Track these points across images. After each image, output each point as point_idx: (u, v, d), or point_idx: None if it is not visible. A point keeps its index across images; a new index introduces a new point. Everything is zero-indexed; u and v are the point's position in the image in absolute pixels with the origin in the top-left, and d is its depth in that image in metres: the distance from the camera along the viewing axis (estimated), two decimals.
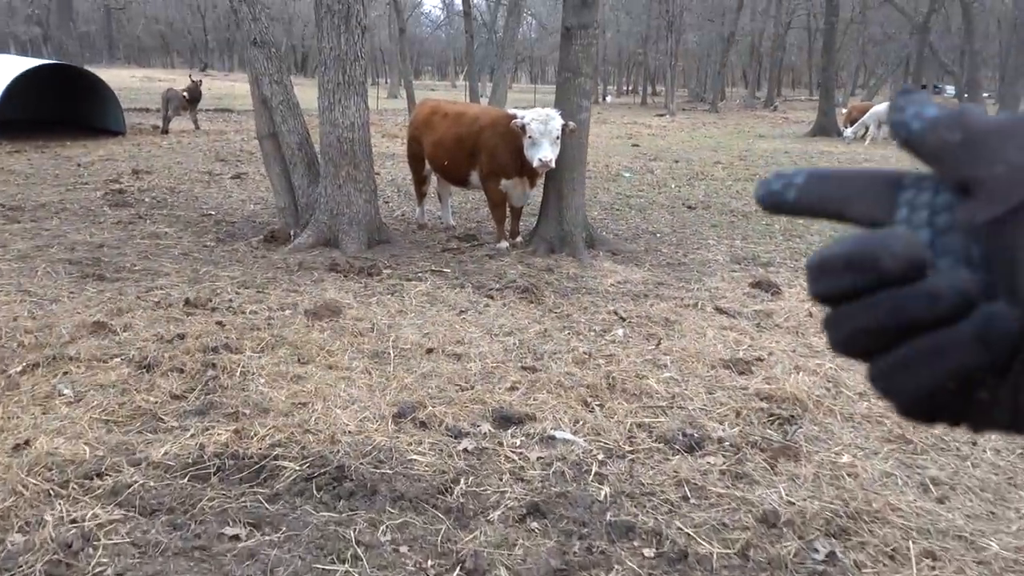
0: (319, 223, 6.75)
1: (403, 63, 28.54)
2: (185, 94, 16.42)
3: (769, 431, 3.45)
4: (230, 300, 5.07)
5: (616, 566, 2.49)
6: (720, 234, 7.82)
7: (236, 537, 2.57)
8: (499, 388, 3.81)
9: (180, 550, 2.50)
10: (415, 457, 3.13)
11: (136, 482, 2.87)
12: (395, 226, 7.83)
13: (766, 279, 5.86)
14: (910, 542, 2.65)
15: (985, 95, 24.60)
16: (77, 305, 4.87)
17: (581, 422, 3.47)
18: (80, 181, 9.97)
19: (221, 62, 70.53)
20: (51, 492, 2.80)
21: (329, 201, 6.71)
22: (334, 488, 2.89)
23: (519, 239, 7.08)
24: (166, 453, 3.08)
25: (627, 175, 12.15)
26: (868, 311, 0.34)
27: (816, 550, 2.59)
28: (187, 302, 4.93)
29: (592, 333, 4.69)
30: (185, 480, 2.93)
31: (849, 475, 3.07)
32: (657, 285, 5.80)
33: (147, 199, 8.95)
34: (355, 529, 2.63)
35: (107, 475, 2.93)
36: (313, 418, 3.41)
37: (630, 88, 66.20)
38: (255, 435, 3.23)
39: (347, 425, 3.36)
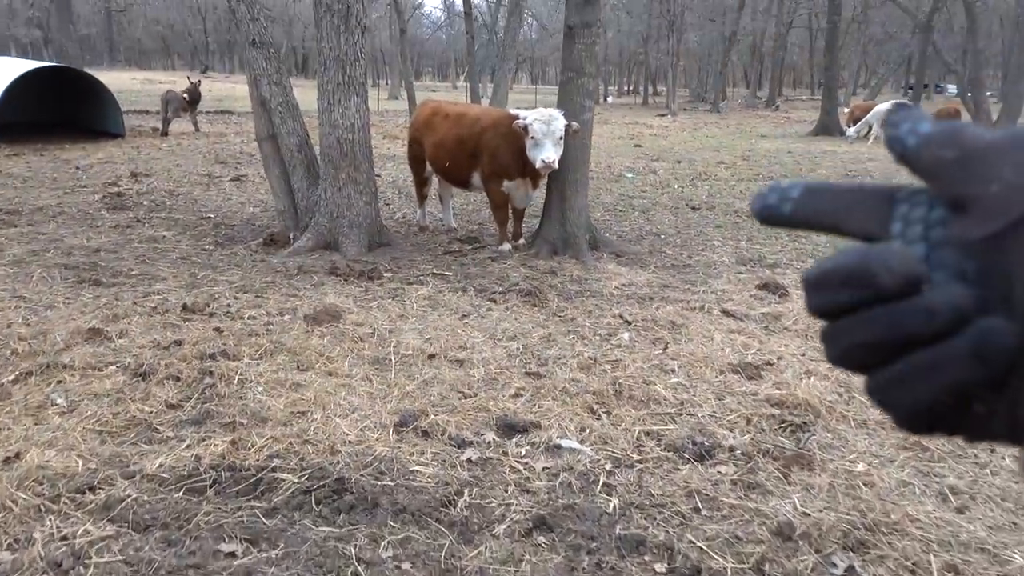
0: (319, 226, 6.66)
1: (404, 64, 28.47)
2: (185, 95, 16.34)
3: (781, 438, 3.35)
4: (228, 305, 4.98)
5: None
6: (725, 235, 7.73)
7: (232, 554, 2.48)
8: (503, 395, 3.72)
9: (174, 568, 2.41)
10: (417, 468, 3.04)
11: (129, 496, 2.78)
12: (396, 228, 7.75)
13: (773, 281, 5.77)
14: (931, 555, 2.56)
15: (988, 94, 24.48)
16: (72, 311, 4.78)
17: (587, 430, 3.38)
18: (78, 184, 9.88)
19: (222, 64, 70.51)
20: (41, 507, 2.71)
21: (329, 203, 6.62)
22: (334, 501, 2.80)
23: (522, 241, 6.99)
24: (161, 465, 2.99)
25: (629, 176, 12.05)
26: (865, 326, 0.34)
27: (834, 565, 2.50)
28: (184, 307, 4.84)
29: (597, 337, 4.59)
30: (180, 493, 2.84)
31: (865, 484, 2.97)
32: (662, 287, 5.70)
33: (145, 202, 8.87)
34: (355, 545, 2.54)
35: (100, 489, 2.84)
36: (312, 427, 3.32)
37: (631, 88, 66.12)
38: (252, 446, 3.14)
39: (347, 435, 3.27)
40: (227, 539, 2.57)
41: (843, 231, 0.38)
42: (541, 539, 2.62)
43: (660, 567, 2.49)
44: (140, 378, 3.82)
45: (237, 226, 7.76)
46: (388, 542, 2.57)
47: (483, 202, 8.40)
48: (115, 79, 37.11)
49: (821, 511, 2.78)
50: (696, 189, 10.88)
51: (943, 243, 0.35)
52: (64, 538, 2.54)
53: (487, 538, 2.62)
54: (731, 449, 3.22)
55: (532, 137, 6.04)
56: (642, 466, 3.11)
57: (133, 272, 5.81)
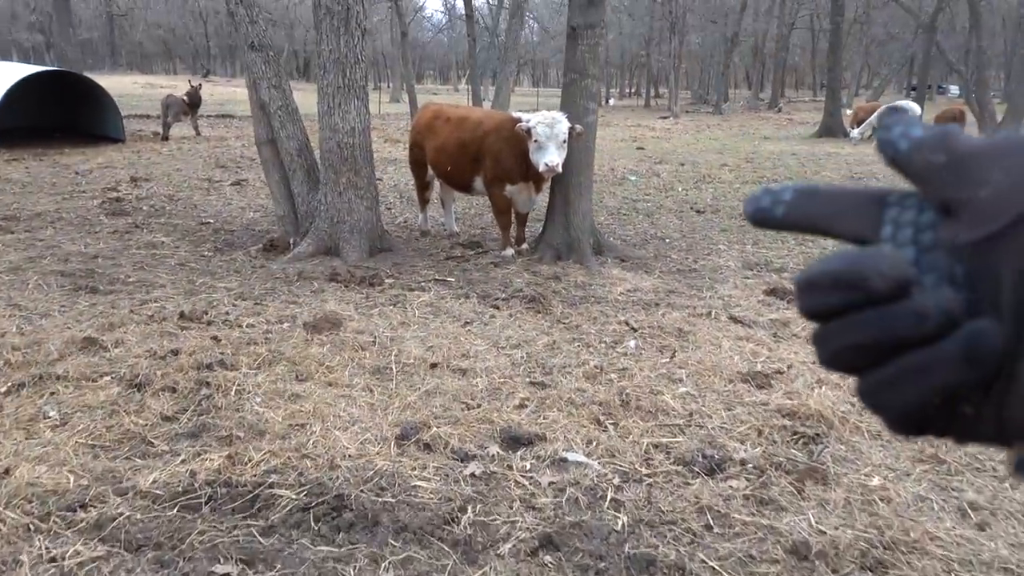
0: (319, 231, 6.57)
1: (405, 67, 28.41)
2: (185, 99, 16.28)
3: (793, 451, 3.26)
4: (227, 313, 4.89)
5: None
6: (730, 239, 7.63)
7: None
8: (507, 406, 3.63)
9: None
10: (419, 483, 2.95)
11: (122, 514, 2.69)
12: (397, 233, 7.66)
13: (780, 286, 5.68)
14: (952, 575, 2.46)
15: (991, 94, 24.34)
16: (68, 320, 4.69)
17: (594, 442, 3.29)
18: (77, 189, 9.81)
19: (223, 68, 70.52)
20: (31, 526, 2.62)
21: (329, 208, 6.53)
22: (333, 519, 2.71)
23: (525, 246, 6.90)
24: (155, 481, 2.90)
25: (633, 179, 11.96)
26: (856, 328, 0.35)
27: None
28: (182, 315, 4.76)
29: (603, 345, 4.50)
30: (174, 511, 2.75)
31: (882, 499, 2.88)
32: (668, 293, 5.61)
33: (145, 207, 8.79)
34: (355, 566, 2.44)
35: (91, 506, 2.75)
36: (311, 441, 3.23)
37: (633, 90, 66.04)
38: (249, 460, 3.05)
39: (347, 448, 3.18)
40: (222, 560, 2.48)
41: (834, 234, 0.39)
42: (547, 559, 2.53)
43: None
44: (135, 389, 3.73)
45: (237, 231, 7.68)
46: (389, 563, 2.48)
47: (485, 206, 8.31)
48: (116, 83, 37.14)
49: (837, 528, 2.69)
50: (700, 192, 10.79)
51: (933, 246, 0.36)
52: (53, 559, 2.45)
53: (491, 558, 2.52)
54: (742, 463, 3.12)
55: (535, 140, 5.95)
56: (651, 480, 3.01)
57: (131, 279, 5.73)
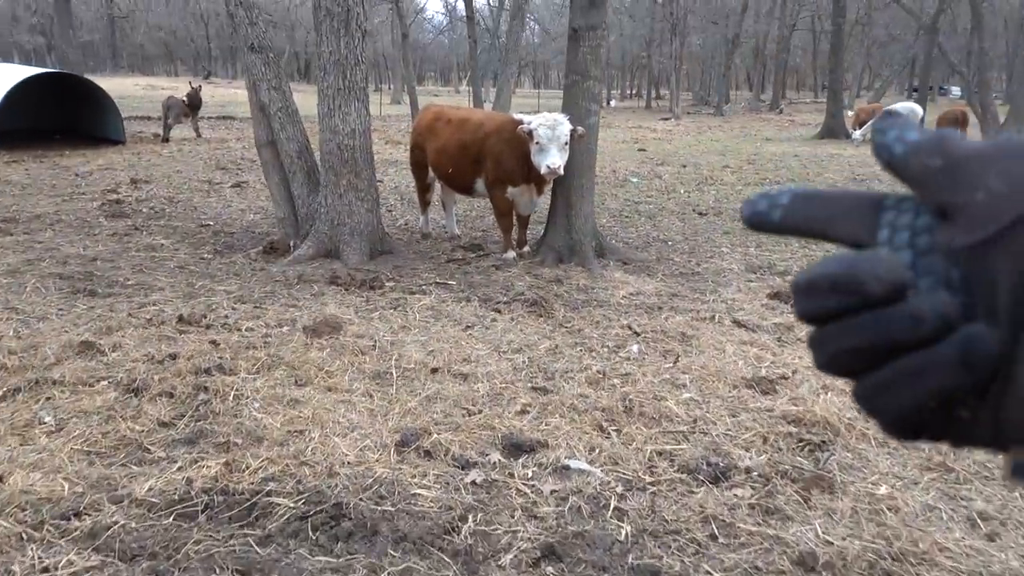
0: (319, 234, 6.53)
1: (406, 68, 28.37)
2: (185, 101, 16.25)
3: (799, 458, 3.21)
4: (226, 316, 4.85)
5: None
6: (733, 241, 7.58)
7: None
8: (508, 412, 3.58)
9: None
10: (419, 491, 2.90)
11: (117, 523, 2.65)
12: (398, 236, 7.62)
13: (784, 290, 5.63)
14: None
15: (992, 95, 24.29)
16: (65, 323, 4.65)
17: (597, 450, 3.24)
18: (77, 191, 9.78)
19: (224, 70, 70.53)
20: (23, 535, 2.57)
21: (330, 211, 6.49)
22: (331, 528, 2.66)
23: (527, 248, 6.85)
24: (151, 489, 2.86)
25: (634, 180, 11.92)
26: (852, 332, 0.35)
27: None
28: (180, 319, 4.72)
29: (605, 349, 4.45)
30: (170, 519, 2.70)
31: (889, 509, 2.83)
32: (671, 296, 5.56)
33: (144, 209, 8.76)
34: None
35: (86, 515, 2.71)
36: (310, 448, 3.18)
37: (634, 92, 66.01)
38: (247, 467, 3.00)
39: (346, 455, 3.13)
40: (218, 570, 2.43)
41: (831, 237, 0.39)
42: (550, 569, 2.48)
43: None
44: (132, 394, 3.69)
45: (237, 234, 7.64)
46: (388, 573, 2.43)
47: (487, 208, 8.26)
48: (118, 85, 37.13)
49: (845, 539, 2.64)
50: (702, 194, 10.74)
51: (929, 250, 0.36)
52: (46, 569, 2.41)
53: (492, 569, 2.48)
54: (747, 470, 3.08)
55: (537, 142, 5.91)
56: (655, 489, 2.96)
57: (129, 282, 5.68)
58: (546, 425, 3.45)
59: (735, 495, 2.93)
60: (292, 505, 2.78)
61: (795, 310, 0.37)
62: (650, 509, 2.83)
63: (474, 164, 6.63)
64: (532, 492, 2.92)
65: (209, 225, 8.00)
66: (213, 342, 4.34)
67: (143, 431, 3.31)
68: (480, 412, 3.56)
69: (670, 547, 2.61)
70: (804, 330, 4.75)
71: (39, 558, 2.45)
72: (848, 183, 11.81)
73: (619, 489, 2.95)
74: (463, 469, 3.08)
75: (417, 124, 7.59)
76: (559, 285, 5.80)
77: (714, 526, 2.72)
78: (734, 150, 17.68)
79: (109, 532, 2.60)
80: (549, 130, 5.84)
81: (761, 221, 0.40)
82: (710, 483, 3.01)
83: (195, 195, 9.90)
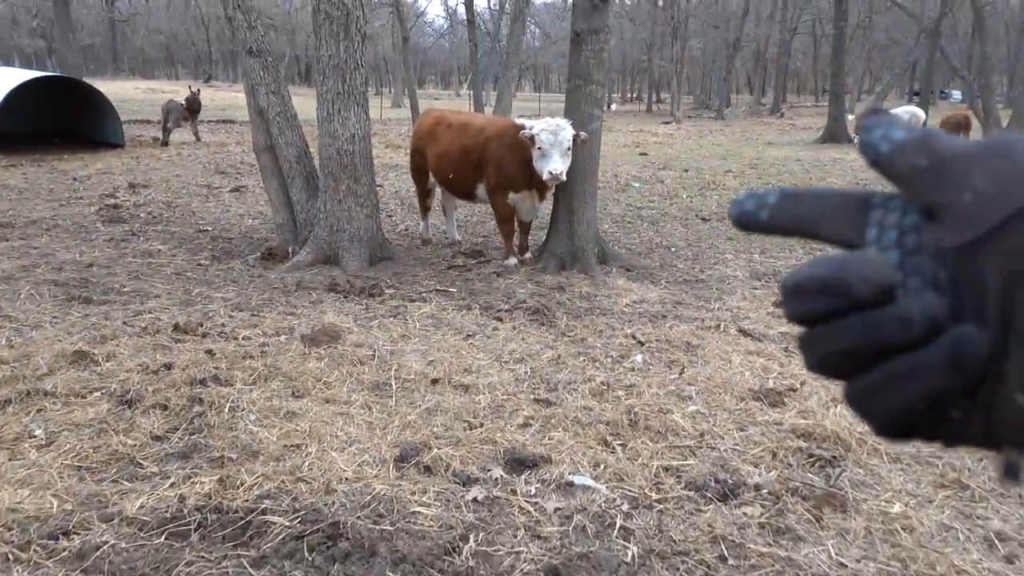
0: (318, 240, 6.45)
1: (407, 72, 28.31)
2: (184, 104, 16.18)
3: (809, 474, 3.12)
4: (222, 325, 4.76)
5: None
6: (737, 247, 7.50)
7: None
8: (510, 425, 3.49)
9: None
10: (419, 509, 2.81)
11: (107, 542, 2.56)
12: (398, 241, 7.53)
13: None
14: None
15: (995, 99, 24.23)
16: (59, 331, 4.57)
17: (602, 465, 3.15)
18: (75, 196, 9.70)
19: (225, 73, 70.51)
20: (9, 556, 2.49)
21: (329, 216, 6.41)
22: (328, 548, 2.58)
23: (528, 255, 6.77)
24: (142, 507, 2.77)
25: (636, 185, 11.84)
26: (841, 334, 0.35)
27: None
28: (176, 327, 4.63)
29: (609, 360, 4.37)
30: (162, 538, 2.62)
31: (904, 529, 2.74)
32: (675, 304, 5.47)
33: (142, 214, 8.68)
34: None
35: (75, 534, 2.62)
36: (306, 463, 3.10)
37: (634, 95, 65.97)
38: (242, 484, 2.92)
39: (344, 471, 3.04)
40: None
41: (820, 237, 0.39)
42: None
43: None
44: (125, 406, 3.60)
45: (235, 239, 7.56)
46: None
47: (488, 214, 8.19)
48: (118, 88, 37.10)
49: (859, 561, 2.55)
50: (705, 199, 10.66)
51: (917, 250, 0.36)
52: None
53: None
54: (757, 488, 2.99)
55: (539, 148, 5.83)
56: (662, 507, 2.88)
57: (125, 289, 5.60)
58: (549, 439, 3.36)
59: (744, 513, 2.84)
60: (288, 524, 2.69)
61: (784, 312, 0.37)
62: (657, 528, 2.74)
63: (475, 169, 6.55)
64: (535, 510, 2.84)
65: (207, 230, 7.92)
66: (209, 352, 4.25)
67: (135, 445, 3.22)
68: (481, 425, 3.48)
69: (678, 569, 2.52)
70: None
71: None
72: (850, 187, 11.73)
73: (625, 507, 2.87)
74: (464, 485, 2.99)
75: (418, 129, 7.51)
76: (561, 292, 5.72)
77: (723, 547, 2.63)
78: (736, 154, 17.61)
79: (98, 552, 2.51)
80: (551, 135, 5.76)
81: (749, 221, 0.40)
82: (718, 501, 2.92)
83: (193, 200, 9.83)
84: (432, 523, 2.73)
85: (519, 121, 6.35)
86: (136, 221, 8.28)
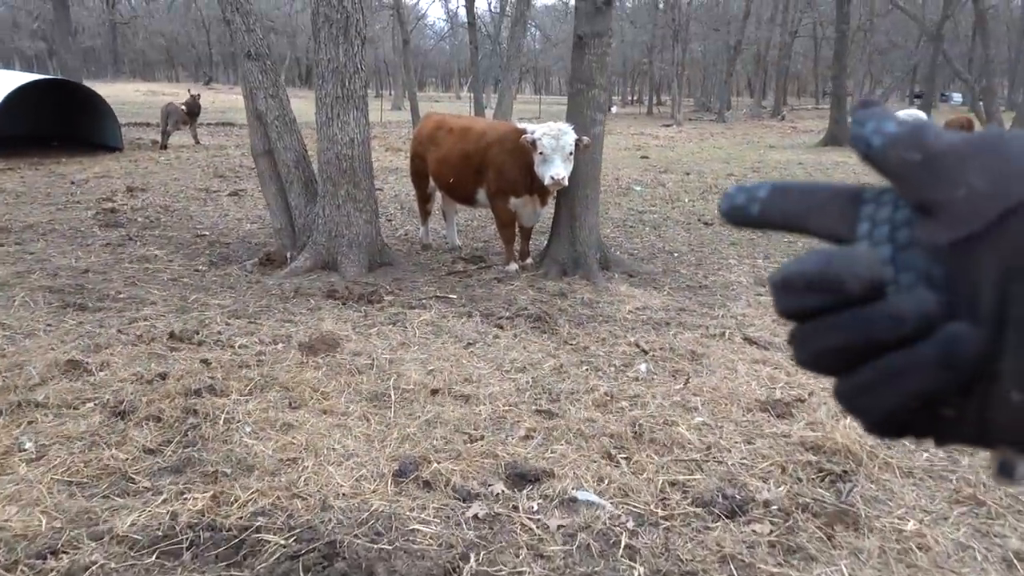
0: (317, 245, 6.37)
1: (407, 75, 28.27)
2: (183, 108, 16.11)
3: (820, 490, 3.04)
4: (219, 333, 4.68)
5: None
6: (741, 252, 7.42)
7: None
8: (512, 437, 3.41)
9: None
10: (418, 527, 2.73)
11: (96, 562, 2.48)
12: (398, 246, 7.45)
13: None
14: None
15: (997, 102, 24.15)
16: (53, 340, 4.48)
17: (606, 480, 3.07)
18: (72, 200, 9.62)
19: (226, 75, 70.46)
20: None
21: (327, 222, 6.33)
22: (323, 569, 2.49)
23: (529, 261, 6.68)
24: (133, 524, 2.69)
25: (638, 189, 11.77)
26: (832, 331, 0.34)
27: None
28: (172, 335, 4.55)
29: (612, 369, 4.28)
30: (153, 558, 2.53)
31: (919, 548, 2.65)
32: (679, 311, 5.39)
33: (140, 219, 8.59)
34: None
35: (63, 553, 2.54)
36: (302, 478, 3.01)
37: (635, 98, 65.94)
38: (236, 500, 2.83)
39: (341, 486, 2.96)
40: None
41: (811, 231, 0.38)
42: None
43: None
44: (118, 417, 3.52)
45: (232, 244, 7.48)
46: None
47: (488, 218, 8.11)
48: (119, 91, 37.08)
49: None
50: (707, 203, 10.58)
51: (909, 244, 0.35)
52: None
53: None
54: (766, 504, 2.90)
55: (541, 153, 5.75)
56: (668, 524, 2.79)
57: (121, 295, 5.52)
58: (552, 452, 3.28)
59: (754, 531, 2.75)
60: (283, 543, 2.61)
61: (774, 307, 0.36)
62: (664, 547, 2.66)
63: (476, 174, 6.47)
64: (538, 527, 2.75)
65: (205, 235, 7.84)
66: (205, 361, 4.17)
67: (127, 459, 3.14)
68: (482, 438, 3.39)
69: None
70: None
71: None
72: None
73: (630, 524, 2.78)
74: (464, 501, 2.91)
75: (418, 133, 7.44)
76: (563, 299, 5.64)
77: (732, 567, 2.55)
78: (738, 157, 17.54)
79: (87, 573, 2.43)
80: (553, 140, 5.68)
81: (739, 215, 0.39)
82: (726, 518, 2.84)
83: (191, 204, 9.75)
84: (431, 541, 2.65)
85: (521, 125, 6.27)
86: (133, 226, 8.20)
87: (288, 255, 6.58)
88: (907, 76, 44.04)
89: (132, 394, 3.72)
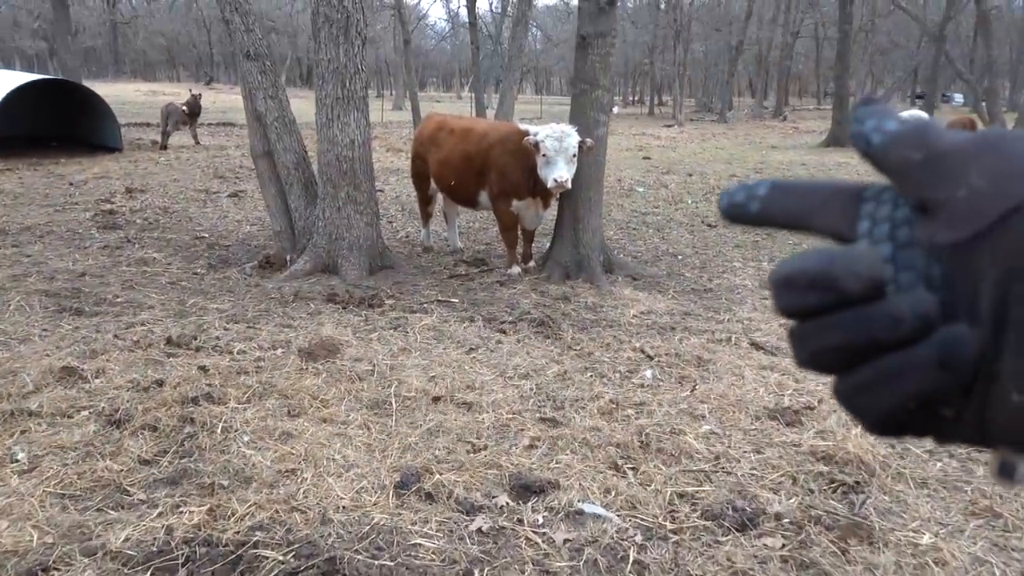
0: (317, 248, 6.30)
1: (408, 75, 28.18)
2: (184, 108, 16.04)
3: (832, 501, 2.96)
4: (217, 338, 4.60)
5: None
6: (745, 255, 7.34)
7: None
8: (516, 447, 3.33)
9: None
10: (420, 541, 2.65)
11: None
12: (399, 249, 7.38)
13: None
14: None
15: (1000, 103, 24.08)
16: (48, 345, 4.41)
17: (613, 491, 2.99)
18: (70, 201, 9.55)
19: (227, 75, 70.35)
20: None
21: (328, 224, 6.26)
22: None
23: (532, 264, 6.61)
24: (127, 539, 2.61)
25: (640, 190, 11.69)
26: (831, 330, 0.34)
27: None
28: (169, 341, 4.48)
29: (617, 375, 4.21)
30: (147, 575, 2.46)
31: (936, 563, 2.58)
32: (684, 316, 5.31)
33: (138, 220, 8.52)
34: None
35: (55, 569, 2.46)
36: (301, 490, 2.94)
37: (636, 98, 65.85)
38: (233, 514, 2.76)
39: (341, 499, 2.89)
40: None
41: (811, 229, 0.38)
42: None
43: None
44: (114, 426, 3.44)
45: (232, 246, 7.41)
46: None
47: (490, 221, 8.03)
48: (120, 91, 37.03)
49: None
50: (710, 204, 10.50)
51: (909, 243, 0.35)
52: None
53: None
54: (777, 517, 2.83)
55: (543, 155, 5.67)
56: (677, 538, 2.71)
57: (118, 299, 5.44)
58: (556, 463, 3.20)
59: (765, 545, 2.68)
60: (281, 558, 2.53)
61: (774, 305, 0.36)
62: (673, 563, 2.58)
63: (478, 176, 6.40)
64: (543, 541, 2.68)
65: (204, 237, 7.77)
66: (202, 367, 4.09)
67: (122, 470, 3.06)
68: (485, 448, 3.32)
69: None
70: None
71: None
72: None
73: (638, 538, 2.71)
74: (468, 514, 2.83)
75: (419, 134, 7.36)
76: (566, 303, 5.56)
77: None
78: (740, 158, 17.46)
79: None
80: (556, 142, 5.60)
81: (739, 213, 0.39)
82: (737, 531, 2.76)
83: (191, 205, 9.67)
84: (434, 557, 2.57)
85: (523, 127, 6.19)
86: (131, 227, 8.13)
87: (288, 258, 6.51)
88: (909, 77, 43.93)
89: (128, 402, 3.65)
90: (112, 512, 2.80)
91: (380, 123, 25.23)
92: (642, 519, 2.82)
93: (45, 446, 3.24)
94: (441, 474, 3.07)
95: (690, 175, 13.74)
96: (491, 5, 54.17)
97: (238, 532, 2.66)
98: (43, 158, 13.45)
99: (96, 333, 4.65)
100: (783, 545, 2.68)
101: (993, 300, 0.32)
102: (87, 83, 19.91)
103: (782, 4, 42.39)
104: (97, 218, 8.48)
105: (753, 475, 3.14)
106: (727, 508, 2.87)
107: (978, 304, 0.33)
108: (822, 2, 41.87)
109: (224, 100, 35.98)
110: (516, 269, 6.39)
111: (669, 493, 2.98)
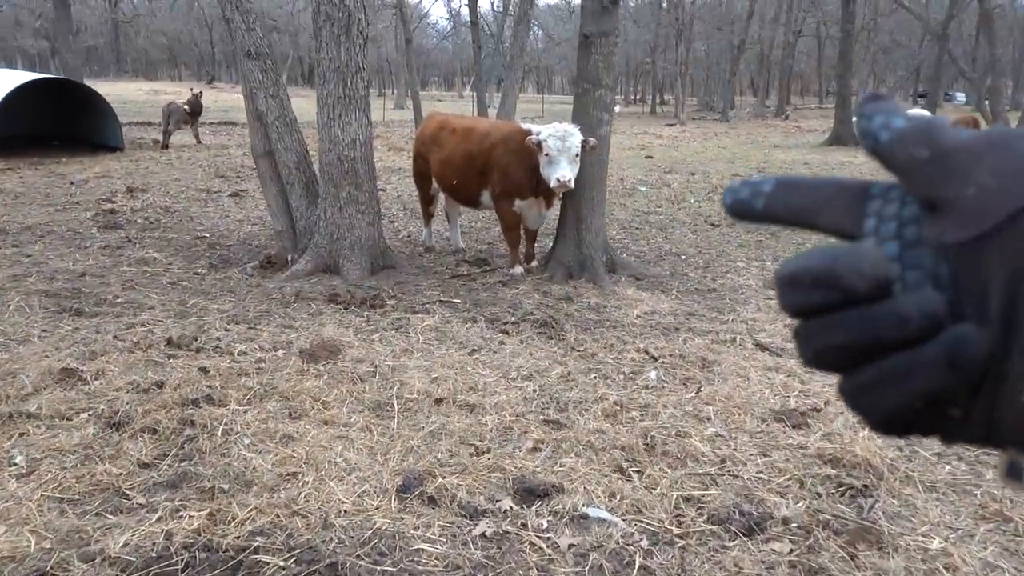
0: (318, 248, 6.26)
1: (410, 74, 28.13)
2: (186, 107, 16.02)
3: (840, 505, 2.92)
4: (217, 339, 4.57)
5: None
6: (749, 255, 7.30)
7: None
8: (519, 450, 3.30)
9: None
10: (423, 546, 2.62)
11: None
12: (400, 248, 7.34)
13: None
14: None
15: (1003, 102, 24.01)
16: (47, 347, 4.38)
17: (618, 495, 2.95)
18: (71, 200, 9.52)
19: (228, 74, 70.33)
20: None
21: (329, 224, 6.22)
22: None
23: (535, 264, 6.57)
24: (126, 544, 2.58)
25: (643, 189, 11.65)
26: (837, 329, 0.34)
27: None
28: (169, 342, 4.44)
29: (621, 376, 4.17)
30: None
31: (947, 568, 2.54)
32: (688, 316, 5.27)
33: (139, 220, 8.49)
34: None
35: (52, 575, 2.43)
36: (303, 494, 2.90)
37: (638, 97, 65.79)
38: (233, 519, 2.72)
39: (343, 503, 2.85)
40: None
41: (817, 227, 0.38)
42: None
43: None
44: (113, 429, 3.41)
45: (233, 246, 7.37)
46: None
47: (493, 220, 7.99)
48: (121, 90, 37.02)
49: None
50: (713, 204, 10.46)
51: (917, 242, 0.35)
52: None
53: None
54: (785, 521, 2.79)
55: (546, 154, 5.63)
56: (683, 543, 2.68)
57: (118, 300, 5.41)
58: (561, 466, 3.17)
59: (773, 550, 2.64)
60: (282, 564, 2.50)
61: (779, 303, 0.35)
62: (680, 568, 2.54)
63: (480, 176, 6.36)
64: (548, 546, 2.64)
65: (205, 237, 7.74)
66: (203, 369, 4.06)
67: (121, 474, 3.03)
68: (489, 451, 3.28)
69: None
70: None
71: None
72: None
73: (644, 543, 2.67)
74: (471, 519, 2.80)
75: (420, 133, 7.32)
76: (569, 303, 5.52)
77: None
78: (743, 157, 17.41)
79: None
80: (559, 141, 5.56)
81: (743, 209, 0.39)
82: (744, 536, 2.72)
83: (192, 205, 9.64)
84: (437, 562, 2.54)
85: (525, 126, 6.15)
86: (132, 227, 8.09)
87: (289, 258, 6.48)
88: (911, 75, 43.84)
89: (127, 404, 3.61)
90: (111, 516, 2.77)
91: (382, 122, 25.20)
92: (648, 523, 2.79)
93: (43, 449, 3.21)
94: (444, 477, 3.03)
95: (692, 174, 13.70)
96: (493, 4, 54.15)
97: (238, 537, 2.63)
98: (44, 157, 13.43)
99: (96, 334, 4.61)
100: (791, 550, 2.64)
101: (1002, 300, 0.32)
102: (89, 82, 19.87)
103: (784, 3, 42.34)
104: (98, 218, 8.45)
105: (760, 478, 3.10)
106: (734, 512, 2.84)
107: (987, 304, 0.32)
108: (824, 1, 41.77)
109: (225, 99, 35.95)
110: (519, 269, 6.35)
111: (675, 497, 2.95)
